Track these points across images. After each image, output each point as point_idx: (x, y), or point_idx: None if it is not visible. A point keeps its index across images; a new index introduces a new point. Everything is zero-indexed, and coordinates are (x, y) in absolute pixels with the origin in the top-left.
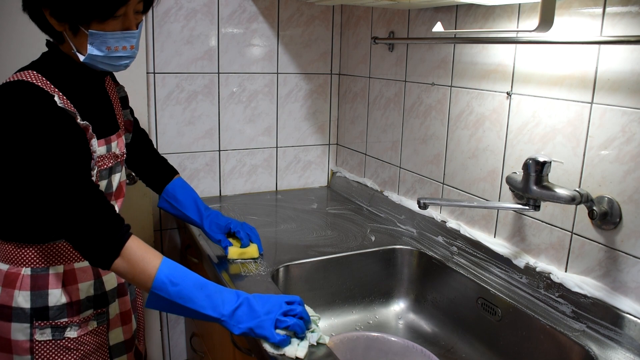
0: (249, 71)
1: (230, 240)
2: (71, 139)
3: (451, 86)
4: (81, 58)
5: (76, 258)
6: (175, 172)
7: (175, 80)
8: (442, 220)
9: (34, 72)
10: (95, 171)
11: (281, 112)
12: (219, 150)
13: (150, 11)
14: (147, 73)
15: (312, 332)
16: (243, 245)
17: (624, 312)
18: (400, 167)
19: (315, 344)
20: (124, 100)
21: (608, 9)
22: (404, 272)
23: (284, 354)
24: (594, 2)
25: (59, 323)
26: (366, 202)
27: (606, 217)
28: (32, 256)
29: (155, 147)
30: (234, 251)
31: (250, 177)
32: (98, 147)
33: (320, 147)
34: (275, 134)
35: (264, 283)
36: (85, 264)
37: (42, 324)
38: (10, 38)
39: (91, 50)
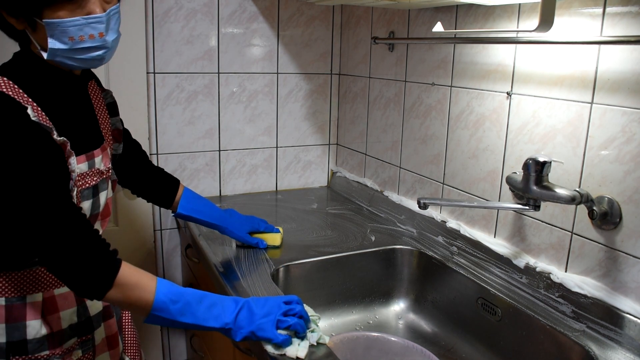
0: (249, 71)
1: (256, 235)
2: (46, 157)
3: (451, 86)
4: (44, 55)
5: (56, 284)
6: (178, 182)
7: (175, 80)
8: (442, 220)
9: (5, 79)
10: (75, 192)
11: (281, 112)
12: (219, 150)
13: (150, 11)
14: (147, 73)
15: (312, 331)
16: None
17: (624, 312)
18: (400, 167)
19: (315, 343)
20: (112, 107)
21: (608, 9)
22: (404, 272)
23: (284, 354)
24: (594, 2)
25: (39, 357)
26: (366, 202)
27: (606, 217)
28: (5, 285)
29: (155, 149)
30: (273, 238)
31: (250, 177)
32: (78, 165)
33: (320, 147)
34: (275, 134)
35: (264, 283)
36: (66, 289)
37: (19, 359)
38: None
39: (52, 43)
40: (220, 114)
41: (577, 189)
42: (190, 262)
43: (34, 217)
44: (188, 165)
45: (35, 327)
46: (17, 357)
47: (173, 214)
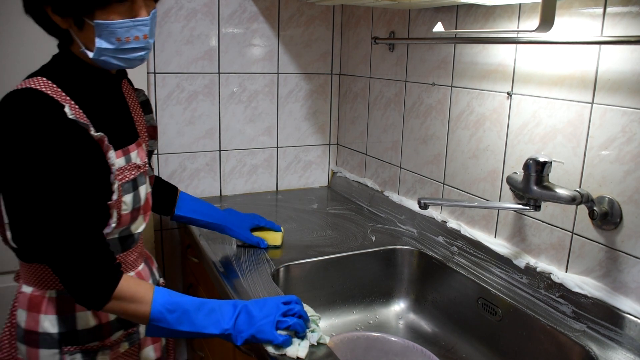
0: (250, 71)
1: (256, 234)
2: (81, 155)
3: (451, 86)
4: (90, 55)
5: None
6: (177, 189)
7: (175, 80)
8: (442, 221)
9: (44, 79)
10: (116, 185)
11: (281, 112)
12: (220, 150)
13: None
14: (148, 73)
15: (313, 331)
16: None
17: (625, 312)
18: (400, 167)
19: (315, 343)
20: (145, 104)
21: (608, 9)
22: (404, 272)
23: (285, 354)
24: (594, 2)
25: (89, 347)
26: (366, 202)
27: (606, 217)
28: (56, 278)
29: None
30: (274, 238)
31: (250, 177)
32: (116, 160)
33: (320, 147)
34: (275, 134)
35: (265, 283)
36: None
37: (71, 349)
38: (9, 41)
39: (99, 43)
40: (220, 114)
41: (578, 189)
42: (191, 262)
43: (48, 218)
44: (188, 166)
45: (84, 319)
46: (68, 347)
47: (172, 219)
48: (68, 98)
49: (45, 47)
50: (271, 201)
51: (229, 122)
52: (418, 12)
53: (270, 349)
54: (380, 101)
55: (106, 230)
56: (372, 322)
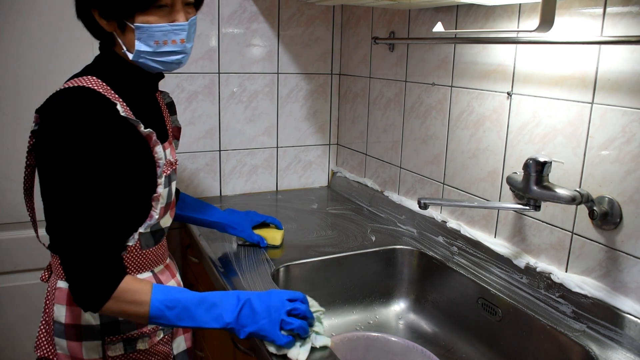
0: (250, 71)
1: (257, 232)
2: (130, 151)
3: (451, 86)
4: (130, 56)
5: (138, 268)
6: (179, 191)
7: (175, 80)
8: (442, 221)
9: (94, 78)
10: (163, 178)
11: (281, 112)
12: (219, 150)
13: None
14: None
15: (317, 333)
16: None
17: (625, 312)
18: (400, 167)
19: (317, 347)
20: (171, 106)
21: (608, 9)
22: (404, 272)
23: (285, 355)
24: (594, 2)
25: (130, 335)
26: (366, 202)
27: (606, 217)
28: None
29: None
30: (273, 238)
31: (250, 177)
32: (163, 153)
33: (320, 147)
34: (275, 134)
35: (265, 283)
36: (149, 273)
37: (113, 338)
38: (9, 41)
39: (139, 45)
40: (220, 114)
41: (578, 189)
42: (191, 262)
43: (76, 211)
44: (188, 166)
45: None
46: (111, 337)
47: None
48: (117, 96)
49: (46, 46)
50: (271, 201)
51: (229, 122)
52: (418, 12)
53: (271, 349)
54: (380, 101)
55: (149, 222)
56: (372, 322)
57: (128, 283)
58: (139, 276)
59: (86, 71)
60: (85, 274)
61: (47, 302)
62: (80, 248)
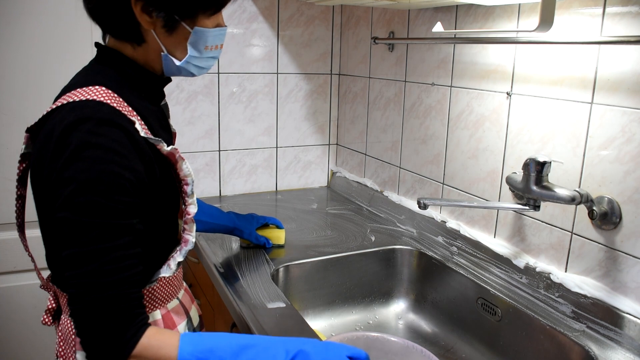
0: (249, 71)
1: (260, 233)
2: (152, 175)
3: (451, 86)
4: (177, 62)
5: (169, 299)
6: None
7: (175, 80)
8: (442, 221)
9: (103, 88)
10: (194, 197)
11: (281, 112)
12: (219, 150)
13: None
14: None
15: None
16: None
17: (624, 312)
18: (400, 167)
19: None
20: (166, 109)
21: (608, 9)
22: (404, 272)
23: None
24: (594, 2)
25: None
26: (366, 202)
27: (606, 217)
28: None
29: None
30: (278, 237)
31: (250, 177)
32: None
33: (320, 147)
34: (275, 134)
35: (264, 283)
36: (176, 302)
37: None
38: (9, 41)
39: (191, 51)
40: (220, 114)
41: (577, 189)
42: (190, 263)
43: (93, 251)
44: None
45: None
46: None
47: None
48: (130, 109)
49: (46, 47)
50: (271, 201)
51: (228, 122)
52: (418, 12)
53: None
54: (380, 101)
55: (187, 248)
56: (371, 322)
57: (150, 338)
58: (169, 306)
59: (87, 76)
60: (100, 329)
61: (62, 347)
62: (96, 296)
